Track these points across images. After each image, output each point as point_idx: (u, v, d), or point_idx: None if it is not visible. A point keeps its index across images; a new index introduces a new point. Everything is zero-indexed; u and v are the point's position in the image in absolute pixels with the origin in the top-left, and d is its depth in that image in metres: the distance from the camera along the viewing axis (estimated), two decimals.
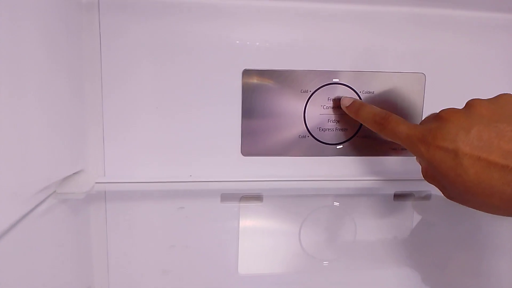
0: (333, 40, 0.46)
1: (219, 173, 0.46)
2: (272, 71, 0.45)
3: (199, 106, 0.45)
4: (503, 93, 0.34)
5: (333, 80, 0.46)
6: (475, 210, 0.33)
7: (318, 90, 0.46)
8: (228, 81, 0.45)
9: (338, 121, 0.47)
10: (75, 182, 0.43)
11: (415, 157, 0.38)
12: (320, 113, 0.46)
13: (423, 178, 0.37)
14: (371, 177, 0.49)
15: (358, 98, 0.46)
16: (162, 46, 0.43)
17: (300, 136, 0.47)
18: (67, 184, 0.42)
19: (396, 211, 0.43)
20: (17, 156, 0.32)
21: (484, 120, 0.32)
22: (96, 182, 0.45)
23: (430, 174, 0.36)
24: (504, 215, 0.32)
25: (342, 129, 0.47)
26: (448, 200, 0.35)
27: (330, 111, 0.46)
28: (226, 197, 0.44)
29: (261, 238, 0.35)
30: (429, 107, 0.47)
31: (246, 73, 0.45)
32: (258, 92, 0.45)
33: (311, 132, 0.47)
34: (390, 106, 0.47)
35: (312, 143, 0.47)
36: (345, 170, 0.48)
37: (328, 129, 0.47)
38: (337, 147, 0.47)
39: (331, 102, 0.46)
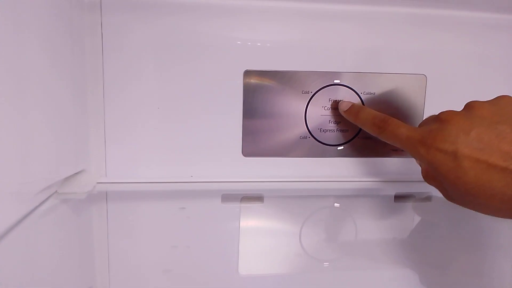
0: (335, 41, 0.46)
1: (220, 173, 0.47)
2: (274, 72, 0.45)
3: (201, 107, 0.45)
4: (503, 94, 0.34)
5: (335, 81, 0.46)
6: (475, 211, 0.33)
7: (319, 91, 0.46)
8: (230, 82, 0.45)
9: (339, 122, 0.47)
10: (76, 182, 0.43)
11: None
12: (321, 114, 0.46)
13: (424, 180, 0.37)
14: (371, 178, 0.49)
15: (359, 99, 0.46)
16: (164, 47, 0.44)
17: (301, 137, 0.47)
18: (68, 184, 0.42)
19: (396, 212, 0.43)
20: (19, 156, 0.32)
21: (484, 122, 0.32)
22: (98, 182, 0.45)
23: (431, 175, 0.36)
24: (504, 217, 0.32)
25: (343, 130, 0.47)
26: (449, 201, 0.35)
27: (331, 112, 0.46)
28: (227, 197, 0.44)
29: (262, 239, 0.35)
30: (430, 108, 0.47)
31: (248, 73, 0.45)
32: (259, 93, 0.45)
33: (312, 133, 0.47)
34: (391, 107, 0.47)
35: (313, 144, 0.47)
36: (346, 171, 0.48)
37: (329, 130, 0.47)
38: (338, 148, 0.47)
39: (332, 103, 0.46)
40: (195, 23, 0.44)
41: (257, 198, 0.44)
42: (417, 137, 0.35)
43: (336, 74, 0.46)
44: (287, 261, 0.30)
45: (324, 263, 0.31)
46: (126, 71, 0.44)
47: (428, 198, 0.45)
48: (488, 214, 0.32)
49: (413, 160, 0.39)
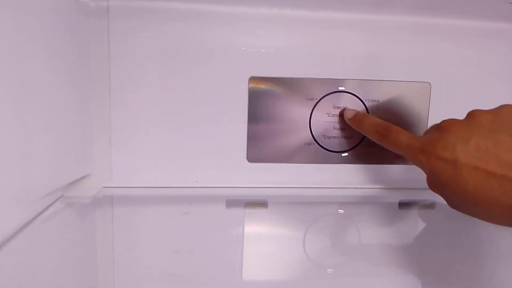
0: (339, 48, 0.46)
1: (225, 179, 0.47)
2: (278, 78, 0.45)
3: (206, 112, 0.45)
4: (505, 104, 0.34)
5: (339, 88, 0.46)
6: (478, 219, 0.33)
7: (324, 98, 0.46)
8: (235, 88, 0.45)
9: (343, 129, 0.47)
10: (82, 186, 0.44)
11: None
12: (325, 120, 0.47)
13: (429, 188, 0.37)
14: (376, 185, 0.49)
15: (363, 106, 0.47)
16: (170, 53, 0.44)
17: (305, 143, 0.47)
18: (74, 188, 0.43)
19: (400, 219, 0.43)
20: (25, 161, 0.32)
21: (483, 130, 0.32)
22: (103, 187, 0.45)
23: (434, 183, 0.36)
24: (504, 225, 0.32)
25: (347, 137, 0.47)
26: (453, 209, 0.35)
27: (336, 119, 0.47)
28: (231, 203, 0.44)
29: (266, 244, 0.35)
30: (435, 116, 0.47)
31: (253, 80, 0.45)
32: (264, 99, 0.46)
33: (316, 139, 0.47)
34: (395, 115, 0.47)
35: (317, 150, 0.47)
36: (350, 178, 0.48)
37: (334, 136, 0.47)
38: (342, 154, 0.48)
39: (337, 110, 0.46)
40: (200, 30, 0.44)
41: (261, 203, 0.44)
42: (417, 145, 0.35)
43: (340, 81, 0.46)
44: (290, 267, 0.31)
45: (328, 270, 0.31)
46: (132, 76, 0.44)
47: (432, 206, 0.45)
48: (490, 222, 0.32)
49: (417, 167, 0.39)
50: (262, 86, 0.45)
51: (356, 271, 0.31)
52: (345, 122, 0.46)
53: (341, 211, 0.44)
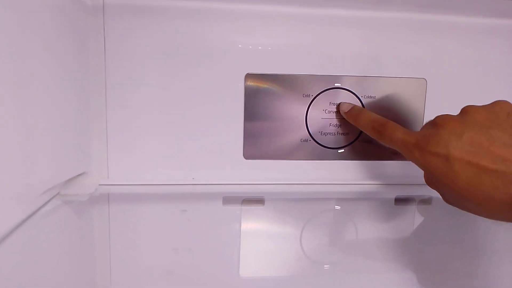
0: (335, 45, 0.46)
1: (221, 176, 0.47)
2: (275, 75, 0.45)
3: (202, 110, 0.45)
4: (499, 100, 0.34)
5: (335, 84, 0.46)
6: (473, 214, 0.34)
7: (320, 95, 0.46)
8: (231, 85, 0.45)
9: (339, 126, 0.47)
10: (78, 184, 0.43)
11: None
12: (322, 117, 0.47)
13: (425, 183, 0.37)
14: (372, 181, 0.49)
15: (359, 102, 0.47)
16: (166, 51, 0.44)
17: (302, 140, 0.47)
18: (71, 186, 0.43)
19: (397, 215, 0.43)
20: (22, 158, 0.32)
21: (477, 126, 0.32)
22: (100, 184, 0.45)
23: (430, 179, 0.36)
24: (497, 220, 0.32)
25: (343, 133, 0.47)
26: (448, 204, 0.36)
27: (332, 115, 0.47)
28: (228, 200, 0.44)
29: (263, 241, 0.35)
30: (430, 112, 0.47)
31: (249, 77, 0.45)
32: (261, 96, 0.46)
33: (313, 136, 0.47)
34: (391, 111, 0.47)
35: (314, 147, 0.47)
36: (347, 174, 0.48)
37: (330, 133, 0.47)
38: (339, 151, 0.48)
39: (333, 106, 0.46)
40: (196, 27, 0.44)
41: (258, 200, 0.45)
42: (412, 141, 0.35)
43: (336, 78, 0.46)
44: (287, 263, 0.31)
45: (325, 266, 0.31)
46: (128, 74, 0.44)
47: (428, 201, 0.46)
48: (484, 217, 0.33)
49: (413, 163, 0.40)
50: (259, 83, 0.45)
51: (353, 267, 0.31)
52: (342, 119, 0.46)
53: (338, 207, 0.44)
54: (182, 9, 0.43)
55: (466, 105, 0.35)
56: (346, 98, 0.46)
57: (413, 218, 0.43)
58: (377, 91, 0.47)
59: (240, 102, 0.45)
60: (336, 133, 0.47)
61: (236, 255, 0.31)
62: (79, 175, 0.44)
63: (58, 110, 0.38)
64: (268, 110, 0.46)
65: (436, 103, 0.47)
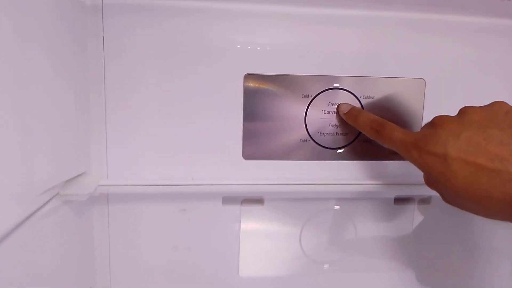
0: (334, 45, 0.46)
1: (221, 176, 0.47)
2: (274, 75, 0.45)
3: (201, 110, 0.45)
4: (497, 100, 0.34)
5: (334, 85, 0.46)
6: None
7: (319, 95, 0.46)
8: (230, 85, 0.45)
9: (338, 126, 0.47)
10: (78, 184, 0.43)
11: None
12: (321, 117, 0.47)
13: (425, 184, 0.38)
14: (371, 181, 0.49)
15: (358, 103, 0.47)
16: (165, 50, 0.44)
17: (301, 140, 0.47)
18: (70, 186, 0.43)
19: (396, 215, 0.43)
20: (21, 158, 0.32)
21: (474, 125, 0.32)
22: (99, 185, 0.45)
23: (429, 180, 0.36)
24: (495, 219, 0.32)
25: (342, 134, 0.47)
26: (447, 204, 0.36)
27: (331, 115, 0.47)
28: (228, 200, 0.44)
29: (262, 241, 0.35)
30: (429, 112, 0.47)
31: (248, 77, 0.45)
32: (260, 97, 0.46)
33: (312, 136, 0.47)
34: (390, 111, 0.47)
35: (313, 147, 0.47)
36: (346, 174, 0.48)
37: (329, 133, 0.47)
38: (338, 151, 0.48)
39: (332, 106, 0.47)
40: (195, 27, 0.44)
41: (257, 200, 0.45)
42: (410, 141, 0.36)
43: (335, 78, 0.46)
44: (287, 263, 0.31)
45: (324, 265, 0.31)
46: (127, 73, 0.44)
47: (427, 201, 0.46)
48: (482, 216, 0.33)
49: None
50: (258, 83, 0.45)
51: (353, 267, 0.31)
52: (341, 119, 0.46)
53: (337, 207, 0.44)
54: (181, 8, 0.43)
55: (468, 104, 0.35)
56: (345, 98, 0.47)
57: (412, 217, 0.43)
58: (376, 91, 0.47)
59: (239, 102, 0.45)
60: (335, 133, 0.47)
61: (236, 255, 0.31)
62: (78, 175, 0.44)
63: (57, 110, 0.38)
64: (267, 111, 0.46)
65: (435, 103, 0.48)
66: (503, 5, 0.43)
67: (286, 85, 0.46)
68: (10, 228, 0.32)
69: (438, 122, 0.34)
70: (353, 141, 0.48)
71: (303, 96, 0.46)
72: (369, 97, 0.47)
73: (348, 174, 0.48)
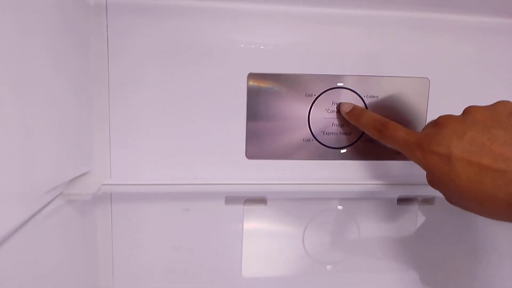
0: (338, 44, 0.46)
1: (224, 175, 0.47)
2: (277, 75, 0.45)
3: (205, 109, 0.45)
4: (501, 100, 0.34)
5: (338, 84, 0.46)
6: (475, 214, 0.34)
7: (323, 94, 0.46)
8: (234, 85, 0.45)
9: (342, 125, 0.47)
10: (81, 183, 0.44)
11: None
12: (324, 117, 0.47)
13: (428, 184, 0.37)
14: (374, 181, 0.49)
15: (362, 102, 0.47)
16: (168, 50, 0.44)
17: (304, 140, 0.47)
18: (74, 185, 0.43)
19: (399, 215, 0.43)
20: (25, 158, 0.32)
21: (478, 125, 0.32)
22: (103, 184, 0.45)
23: (432, 180, 0.36)
24: (499, 220, 0.32)
25: (346, 133, 0.47)
26: (451, 204, 0.36)
27: (335, 115, 0.47)
28: (231, 199, 0.44)
29: (265, 241, 0.35)
30: (433, 112, 0.47)
31: (251, 76, 0.45)
32: (263, 96, 0.46)
33: (315, 136, 0.47)
34: (394, 110, 0.47)
35: (316, 146, 0.47)
36: (349, 174, 0.48)
37: (332, 133, 0.47)
38: (341, 151, 0.48)
39: (336, 106, 0.46)
40: (199, 27, 0.44)
41: (260, 200, 0.45)
42: (414, 141, 0.35)
43: (339, 77, 0.46)
44: (290, 263, 0.31)
45: (327, 266, 0.31)
46: (131, 73, 0.44)
47: (430, 201, 0.45)
48: (485, 217, 0.33)
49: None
50: (261, 82, 0.45)
51: (355, 267, 0.31)
52: (344, 118, 0.46)
53: (340, 207, 0.44)
54: (184, 8, 0.43)
55: (470, 105, 0.35)
56: (348, 98, 0.46)
57: (416, 218, 0.43)
58: (380, 91, 0.47)
59: (243, 101, 0.45)
60: (338, 133, 0.47)
61: (238, 255, 0.31)
62: (82, 174, 0.44)
63: (59, 109, 0.38)
64: (270, 110, 0.46)
65: (439, 102, 0.47)
66: (508, 4, 0.43)
67: (290, 84, 0.46)
68: (13, 228, 0.32)
69: (441, 121, 0.34)
70: (356, 141, 0.47)
71: (306, 95, 0.46)
72: (373, 97, 0.47)
73: (351, 174, 0.48)
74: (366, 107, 0.47)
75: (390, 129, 0.39)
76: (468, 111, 0.34)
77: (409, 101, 0.47)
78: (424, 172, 0.36)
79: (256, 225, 0.39)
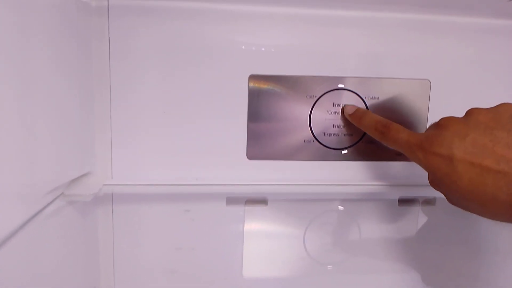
0: (339, 46, 0.46)
1: (225, 176, 0.47)
2: (278, 76, 0.45)
3: (206, 110, 0.45)
4: (504, 102, 0.34)
5: (339, 85, 0.46)
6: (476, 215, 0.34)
7: (324, 96, 0.46)
8: (235, 86, 0.45)
9: (343, 126, 0.47)
10: (82, 184, 0.44)
11: None
12: (325, 118, 0.47)
13: (429, 185, 0.37)
14: (375, 182, 0.49)
15: (363, 103, 0.47)
16: (170, 51, 0.44)
17: (305, 141, 0.47)
18: (75, 186, 0.43)
19: (400, 216, 0.43)
20: (26, 158, 0.32)
21: (480, 127, 0.32)
22: (104, 184, 0.45)
23: (434, 181, 0.36)
24: (500, 221, 0.32)
25: (347, 134, 0.47)
26: (452, 205, 0.36)
27: (336, 116, 0.47)
28: (232, 200, 0.44)
29: (266, 241, 0.35)
30: (434, 113, 0.47)
31: (253, 78, 0.45)
32: (264, 97, 0.46)
33: (316, 137, 0.47)
34: (395, 112, 0.47)
35: (317, 147, 0.47)
36: (350, 174, 0.48)
37: (333, 134, 0.47)
38: (342, 152, 0.48)
39: (337, 107, 0.46)
40: (200, 28, 0.44)
41: (261, 201, 0.45)
42: (415, 142, 0.35)
43: (340, 79, 0.46)
44: (290, 264, 0.31)
45: (328, 266, 0.31)
46: (132, 74, 0.44)
47: (432, 202, 0.45)
48: (487, 218, 0.33)
49: (417, 164, 0.40)
50: (262, 84, 0.45)
51: (356, 268, 0.31)
52: (345, 119, 0.46)
53: (341, 208, 0.44)
54: (186, 10, 0.43)
55: (471, 106, 0.35)
56: (349, 99, 0.46)
57: (417, 219, 0.43)
58: (381, 92, 0.47)
59: (244, 102, 0.45)
60: (339, 134, 0.47)
61: (239, 255, 0.31)
62: (83, 175, 0.44)
63: (61, 110, 0.38)
64: (271, 111, 0.46)
65: (440, 104, 0.47)
66: (509, 6, 0.43)
67: (291, 86, 0.46)
68: (14, 229, 0.32)
69: (444, 123, 0.34)
70: (357, 142, 0.47)
71: (307, 96, 0.46)
72: (374, 98, 0.47)
73: (353, 175, 0.48)
74: (367, 109, 0.47)
75: (392, 131, 0.39)
76: (470, 113, 0.34)
77: (410, 103, 0.47)
78: (425, 173, 0.36)
79: (257, 226, 0.39)
